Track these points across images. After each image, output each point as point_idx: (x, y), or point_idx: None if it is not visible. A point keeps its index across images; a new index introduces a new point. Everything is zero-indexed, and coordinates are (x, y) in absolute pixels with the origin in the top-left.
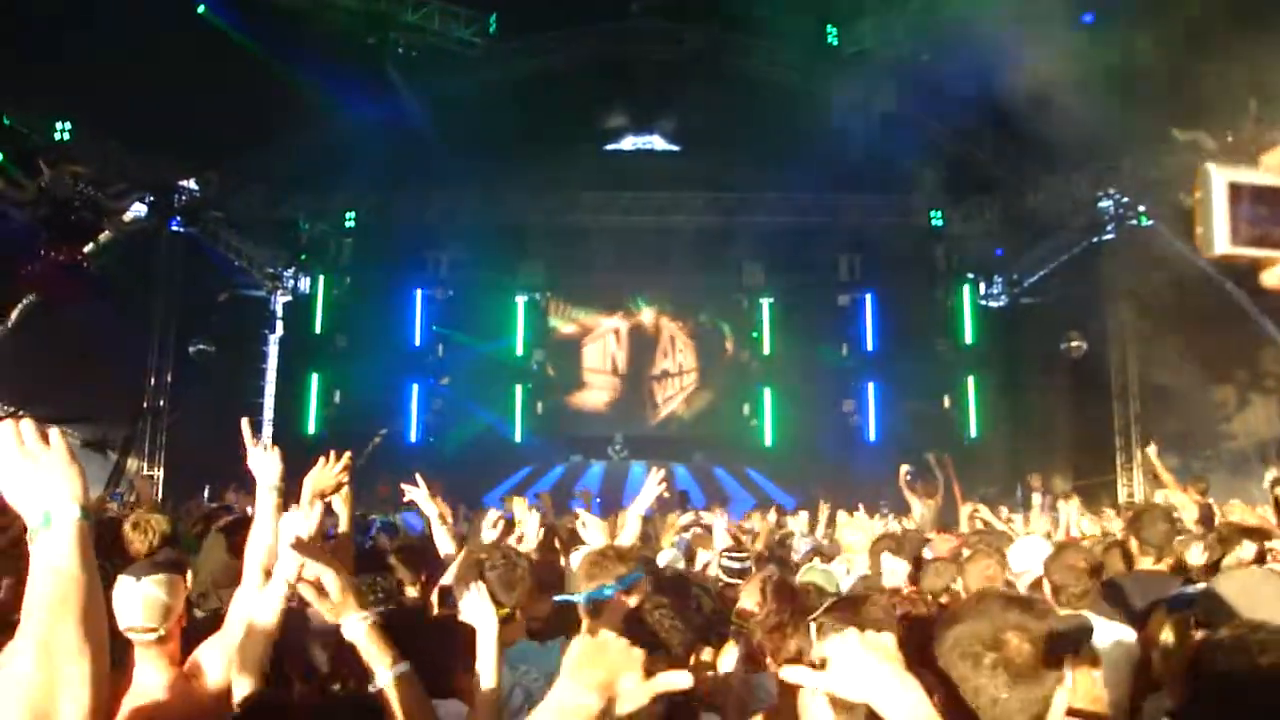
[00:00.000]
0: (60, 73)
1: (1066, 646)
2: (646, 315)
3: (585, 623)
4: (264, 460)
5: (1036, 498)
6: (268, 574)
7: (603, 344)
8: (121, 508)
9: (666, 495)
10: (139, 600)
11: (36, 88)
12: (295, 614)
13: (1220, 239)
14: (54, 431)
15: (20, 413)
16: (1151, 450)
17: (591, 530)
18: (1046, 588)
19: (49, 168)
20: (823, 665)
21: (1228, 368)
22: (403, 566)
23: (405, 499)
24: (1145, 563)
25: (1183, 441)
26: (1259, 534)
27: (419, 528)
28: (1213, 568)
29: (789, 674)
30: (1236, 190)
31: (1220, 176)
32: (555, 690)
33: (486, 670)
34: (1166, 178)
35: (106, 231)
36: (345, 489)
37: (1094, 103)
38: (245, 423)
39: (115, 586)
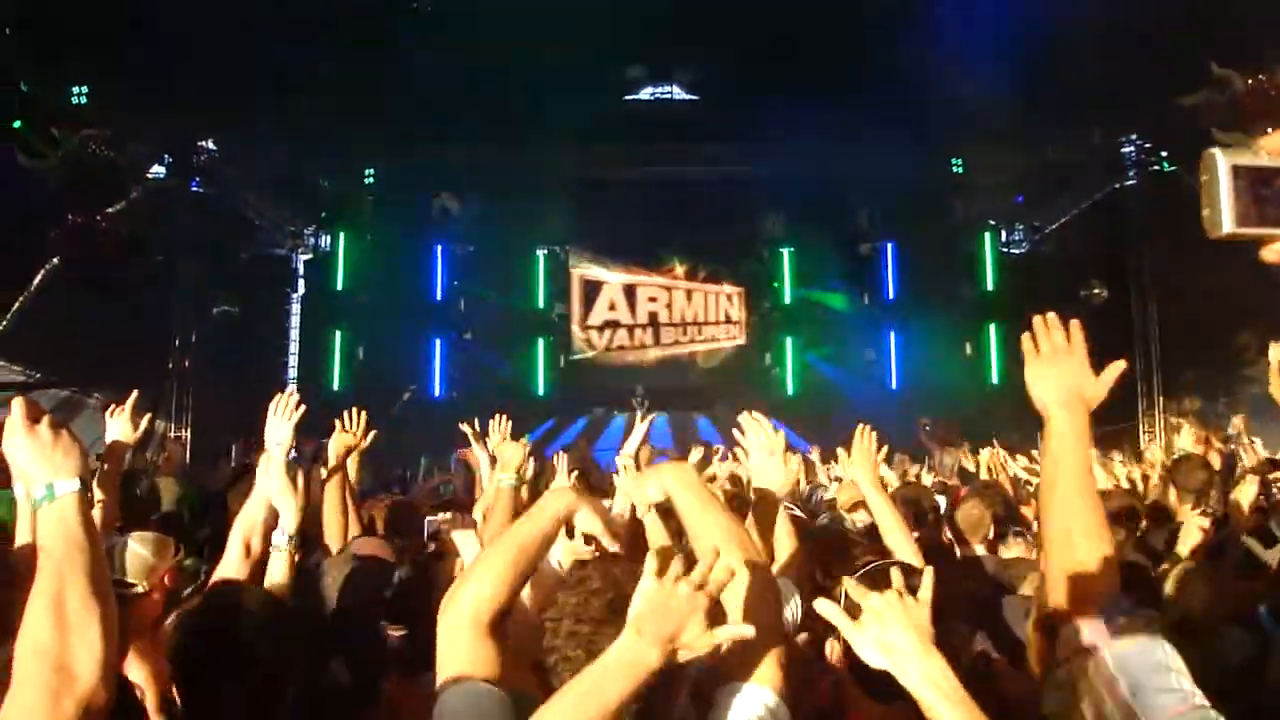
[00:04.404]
0: (76, 36)
1: None
2: (668, 266)
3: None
4: (276, 427)
5: None
6: (248, 548)
7: (625, 295)
8: (152, 468)
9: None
10: (121, 555)
11: (52, 52)
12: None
13: (1226, 220)
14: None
15: (39, 377)
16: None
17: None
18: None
19: (67, 132)
20: (855, 615)
21: (1249, 313)
22: None
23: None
24: (1184, 510)
25: (1205, 387)
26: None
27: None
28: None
29: (821, 607)
30: (1238, 173)
31: (1225, 161)
32: (618, 642)
33: None
34: (1188, 124)
35: (128, 194)
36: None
37: (1117, 47)
38: (288, 393)
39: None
